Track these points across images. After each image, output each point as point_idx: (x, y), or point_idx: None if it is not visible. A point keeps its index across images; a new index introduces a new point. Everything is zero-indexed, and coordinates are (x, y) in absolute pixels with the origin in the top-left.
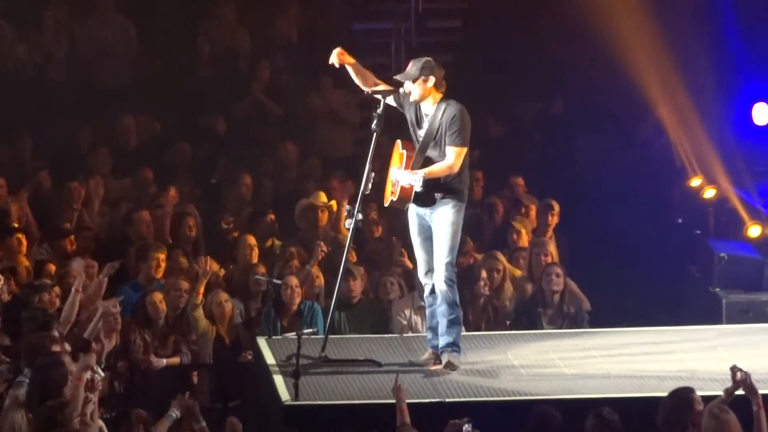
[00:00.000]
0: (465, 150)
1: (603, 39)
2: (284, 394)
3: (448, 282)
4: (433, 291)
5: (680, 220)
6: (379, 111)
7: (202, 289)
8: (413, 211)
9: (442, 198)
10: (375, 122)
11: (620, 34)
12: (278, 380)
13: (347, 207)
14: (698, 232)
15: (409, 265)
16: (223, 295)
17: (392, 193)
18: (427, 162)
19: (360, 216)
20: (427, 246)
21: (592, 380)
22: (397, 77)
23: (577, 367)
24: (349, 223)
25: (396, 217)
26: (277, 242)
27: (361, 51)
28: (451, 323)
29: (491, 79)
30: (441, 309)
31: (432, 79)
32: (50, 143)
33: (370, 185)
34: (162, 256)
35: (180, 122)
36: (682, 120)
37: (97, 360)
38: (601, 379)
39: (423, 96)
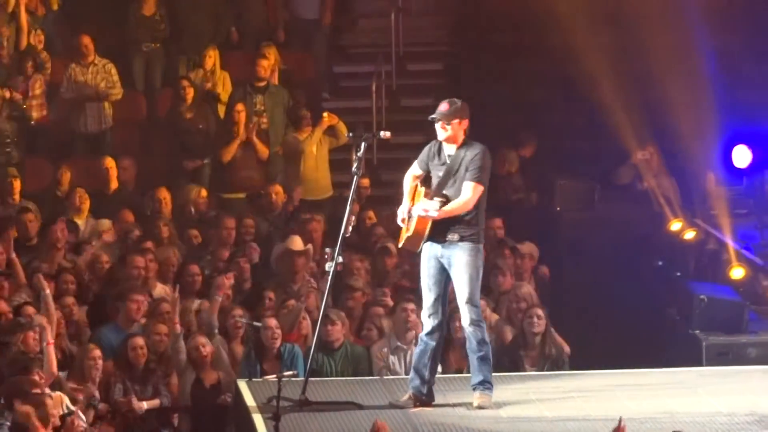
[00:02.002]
0: (482, 188)
1: (582, 82)
2: None
3: (475, 323)
4: (431, 332)
5: (660, 263)
6: (359, 154)
7: (177, 319)
8: (428, 252)
9: (460, 240)
10: (356, 165)
11: (599, 77)
12: (258, 422)
13: (327, 250)
14: (678, 274)
15: (390, 303)
16: (201, 339)
17: (406, 229)
18: (443, 198)
19: (340, 259)
20: (437, 289)
21: (573, 423)
22: (435, 116)
23: (558, 409)
24: (329, 266)
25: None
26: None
27: (342, 93)
28: (482, 360)
29: (471, 122)
30: (471, 347)
31: (466, 122)
32: (33, 185)
33: (350, 228)
34: (142, 299)
35: (161, 165)
36: (662, 163)
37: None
38: (582, 421)
39: (454, 137)
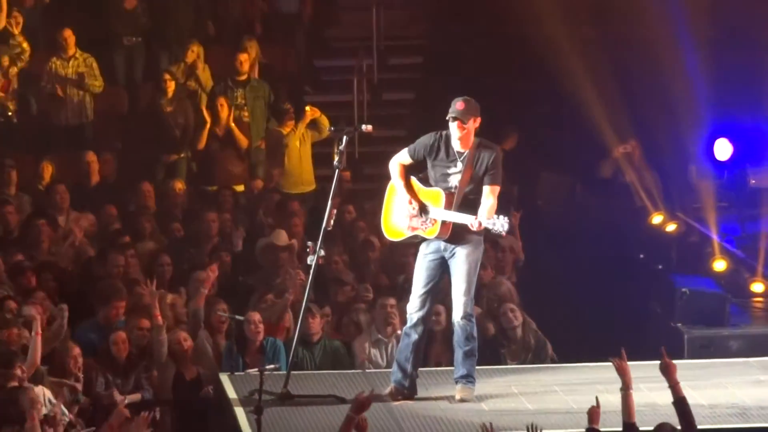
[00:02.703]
0: (499, 189)
1: (563, 74)
2: (246, 430)
3: (467, 317)
4: (415, 324)
5: (642, 256)
6: (341, 148)
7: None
8: (430, 245)
9: (469, 234)
10: (337, 159)
11: (580, 70)
12: (240, 416)
13: (309, 243)
14: (660, 267)
15: (371, 298)
16: (182, 333)
17: (415, 228)
18: (465, 200)
19: (322, 252)
20: (431, 282)
21: (555, 416)
22: (455, 115)
23: (540, 402)
24: (311, 260)
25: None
26: None
27: (323, 88)
28: (467, 355)
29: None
30: (458, 340)
31: (479, 120)
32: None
33: (332, 222)
34: (122, 304)
35: (142, 159)
36: (642, 157)
37: (63, 399)
38: (564, 414)
39: (466, 136)
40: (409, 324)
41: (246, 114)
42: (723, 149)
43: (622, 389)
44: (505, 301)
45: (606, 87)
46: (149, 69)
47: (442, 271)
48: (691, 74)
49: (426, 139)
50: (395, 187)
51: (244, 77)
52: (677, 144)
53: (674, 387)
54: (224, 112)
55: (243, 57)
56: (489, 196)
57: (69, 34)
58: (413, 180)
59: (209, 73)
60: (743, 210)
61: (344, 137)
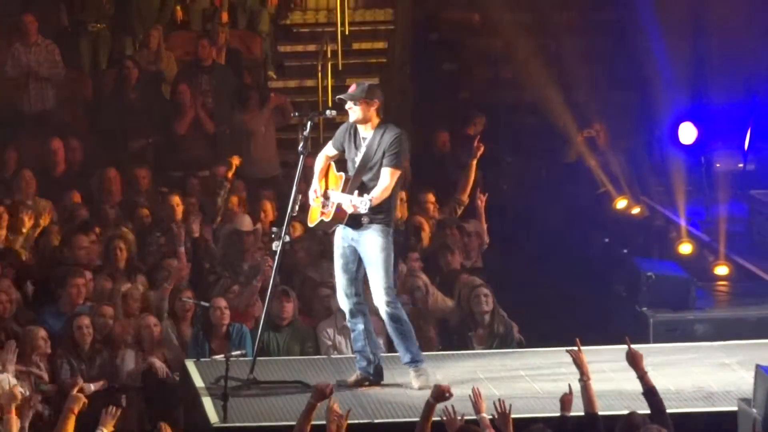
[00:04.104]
0: (399, 172)
1: (527, 58)
2: (213, 417)
3: (392, 305)
4: (353, 315)
5: (607, 240)
6: (306, 133)
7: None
8: (339, 234)
9: (369, 222)
10: (302, 144)
11: (544, 54)
12: (207, 402)
13: (274, 229)
14: (625, 251)
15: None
16: (152, 319)
17: (323, 213)
18: (361, 185)
19: (288, 238)
20: (349, 270)
21: (521, 400)
22: (342, 97)
23: (506, 387)
24: (276, 245)
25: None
26: None
27: (288, 73)
28: (404, 337)
29: (416, 100)
30: (390, 328)
31: (375, 103)
32: None
33: (297, 207)
34: (81, 281)
35: (107, 146)
36: (607, 141)
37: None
38: (530, 398)
39: (364, 119)
40: (348, 317)
41: (210, 100)
42: (688, 133)
43: (580, 380)
44: (479, 284)
45: (572, 71)
46: (114, 55)
47: (355, 257)
48: (657, 58)
49: (341, 128)
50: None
51: (208, 63)
52: (642, 127)
53: (642, 377)
54: (188, 97)
55: (205, 42)
56: (383, 177)
57: (31, 20)
58: (331, 167)
59: (174, 58)
60: (708, 193)
61: (309, 123)
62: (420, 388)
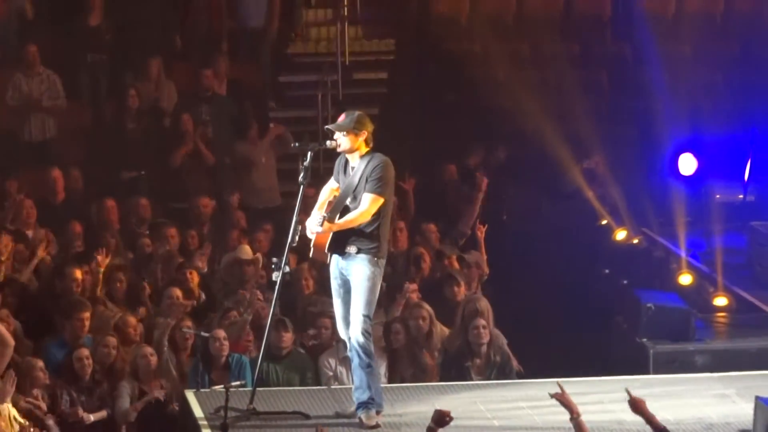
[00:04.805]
0: (381, 200)
1: (527, 90)
2: None
3: (364, 334)
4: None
5: (607, 271)
6: (306, 163)
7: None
8: (333, 265)
9: (358, 252)
10: (302, 175)
11: (544, 85)
12: None
13: (274, 260)
14: (625, 282)
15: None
16: (148, 349)
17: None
18: (345, 212)
19: (287, 268)
20: (346, 299)
21: (520, 431)
22: (330, 127)
23: (505, 418)
24: (276, 276)
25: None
26: None
27: (288, 103)
28: (370, 374)
29: (416, 132)
30: (359, 361)
31: (364, 134)
32: None
33: (297, 237)
34: (87, 315)
35: (107, 175)
36: (606, 172)
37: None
38: (529, 430)
39: (352, 148)
40: (348, 349)
41: (210, 130)
42: (688, 164)
43: (571, 419)
44: (478, 316)
45: (572, 102)
46: (114, 85)
47: (349, 287)
48: (657, 90)
49: (338, 159)
50: None
51: (209, 93)
52: (643, 159)
53: (651, 422)
54: (189, 128)
55: (209, 73)
56: (362, 203)
57: (33, 50)
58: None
59: (174, 88)
60: (708, 225)
61: (309, 153)
62: (370, 428)
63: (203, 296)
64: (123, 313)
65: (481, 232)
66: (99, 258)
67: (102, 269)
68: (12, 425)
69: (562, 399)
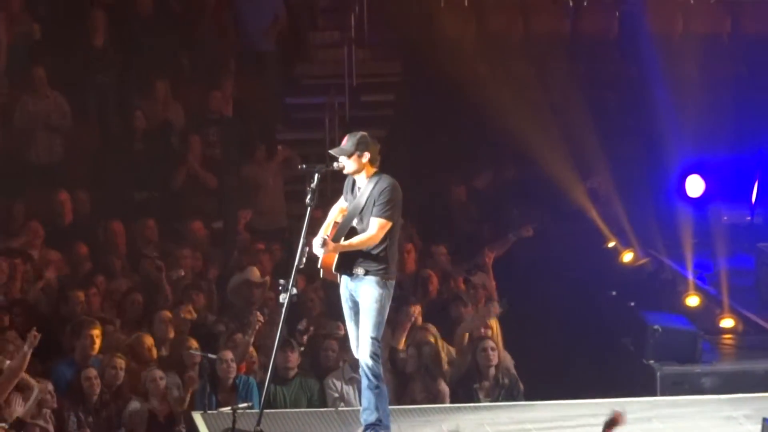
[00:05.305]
0: (389, 224)
1: (533, 110)
2: None
3: (373, 356)
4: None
5: (614, 293)
6: (313, 185)
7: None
8: (343, 286)
9: (366, 274)
10: (309, 196)
11: (551, 106)
12: None
13: (281, 281)
14: (632, 304)
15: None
16: (158, 372)
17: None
18: (352, 233)
19: (294, 290)
20: (356, 320)
21: None
22: (332, 152)
23: None
24: (283, 298)
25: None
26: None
27: (295, 125)
28: (379, 396)
29: (424, 153)
30: (368, 382)
31: (367, 155)
32: None
33: (304, 259)
34: (97, 332)
35: (114, 197)
36: (612, 191)
37: None
38: None
39: (357, 171)
40: (360, 369)
41: (218, 151)
42: (695, 185)
43: None
44: (490, 332)
45: (579, 123)
46: (121, 106)
47: (358, 308)
48: (663, 110)
49: (346, 180)
50: None
51: (216, 115)
52: (650, 180)
53: None
54: (195, 149)
55: (217, 94)
56: (370, 227)
57: (40, 72)
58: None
59: (181, 110)
60: (715, 246)
61: (316, 175)
62: None
63: (209, 318)
64: (138, 333)
65: (489, 259)
66: (101, 281)
67: (106, 291)
68: None
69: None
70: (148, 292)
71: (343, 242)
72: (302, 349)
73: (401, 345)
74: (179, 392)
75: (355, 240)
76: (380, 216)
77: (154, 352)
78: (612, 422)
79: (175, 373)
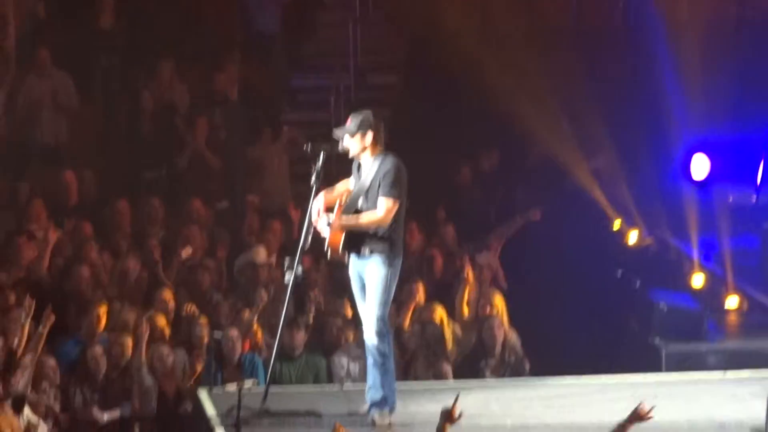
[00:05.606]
0: (397, 204)
1: (539, 93)
2: None
3: (379, 335)
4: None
5: (620, 272)
6: (318, 166)
7: (144, 346)
8: (352, 264)
9: (371, 253)
10: (314, 177)
11: (556, 89)
12: None
13: (287, 261)
14: (638, 283)
15: (348, 314)
16: (165, 350)
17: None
18: (355, 212)
19: (300, 270)
20: (364, 299)
21: (533, 430)
22: (336, 132)
23: (518, 417)
24: (288, 277)
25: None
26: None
27: (300, 107)
28: (385, 373)
29: (429, 133)
30: (373, 360)
31: (370, 134)
32: None
33: (309, 239)
34: (103, 310)
35: (120, 177)
36: (616, 171)
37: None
38: (542, 428)
39: (361, 150)
40: (365, 347)
41: (223, 133)
42: (700, 165)
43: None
44: (495, 310)
45: (584, 105)
46: (126, 87)
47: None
48: (668, 90)
49: (354, 162)
50: None
51: (221, 96)
52: (655, 160)
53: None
54: (202, 130)
55: (221, 76)
56: (378, 207)
57: (45, 53)
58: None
59: (186, 91)
60: (721, 226)
61: (321, 155)
62: (379, 427)
63: (216, 297)
64: (153, 312)
65: (498, 243)
66: (107, 259)
67: (112, 270)
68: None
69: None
70: (153, 272)
71: (349, 220)
72: (309, 324)
73: (406, 323)
74: (186, 369)
75: (362, 218)
76: (387, 196)
77: (165, 330)
78: (635, 416)
79: (183, 351)
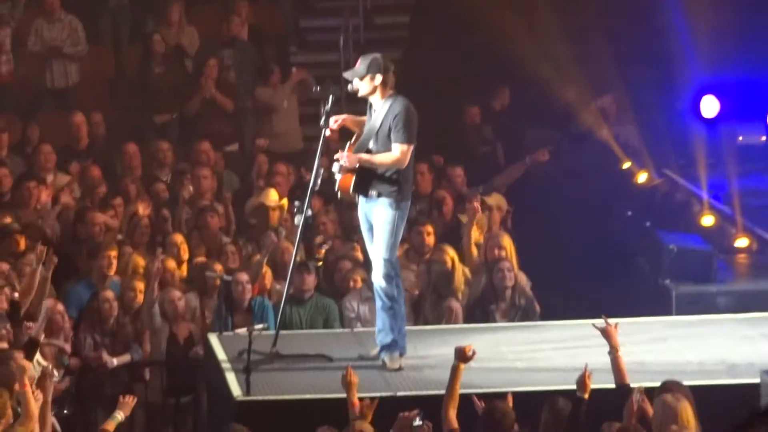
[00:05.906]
0: (411, 147)
1: (548, 34)
2: (236, 390)
3: (387, 278)
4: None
5: (630, 213)
6: (327, 107)
7: (156, 286)
8: (361, 206)
9: (379, 195)
10: (324, 118)
11: (565, 30)
12: (230, 376)
13: (296, 203)
14: (647, 224)
15: (360, 257)
16: (176, 293)
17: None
18: (366, 153)
19: (309, 212)
20: (372, 241)
21: (543, 374)
22: (345, 74)
23: (528, 360)
24: (298, 220)
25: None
26: None
27: (309, 48)
28: (394, 316)
29: (439, 75)
30: (382, 303)
31: (379, 77)
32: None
33: (319, 181)
34: (114, 254)
35: (130, 121)
36: (624, 110)
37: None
38: (551, 371)
39: (370, 93)
40: (374, 290)
41: (233, 75)
42: (710, 106)
43: (610, 353)
44: (504, 252)
45: (593, 46)
46: (135, 31)
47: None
48: (679, 32)
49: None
50: None
51: (231, 38)
52: (665, 101)
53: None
54: (212, 72)
55: (231, 18)
56: (393, 151)
57: None
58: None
59: (196, 33)
60: (730, 167)
61: (330, 97)
62: (393, 370)
63: (225, 240)
64: (165, 256)
65: (505, 182)
66: (119, 203)
67: (121, 215)
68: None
69: (605, 331)
70: (162, 215)
71: (365, 156)
72: (320, 264)
73: (415, 265)
74: (197, 313)
75: (380, 157)
76: (400, 141)
77: (175, 273)
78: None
79: (194, 295)
